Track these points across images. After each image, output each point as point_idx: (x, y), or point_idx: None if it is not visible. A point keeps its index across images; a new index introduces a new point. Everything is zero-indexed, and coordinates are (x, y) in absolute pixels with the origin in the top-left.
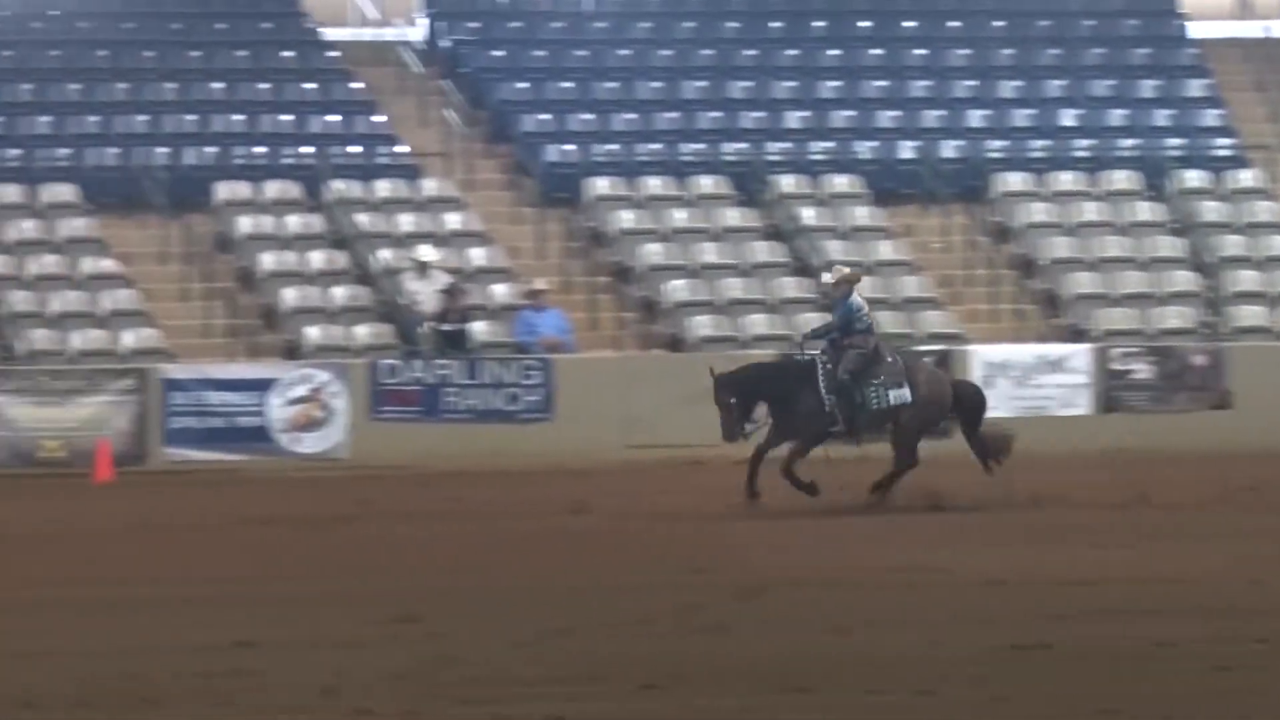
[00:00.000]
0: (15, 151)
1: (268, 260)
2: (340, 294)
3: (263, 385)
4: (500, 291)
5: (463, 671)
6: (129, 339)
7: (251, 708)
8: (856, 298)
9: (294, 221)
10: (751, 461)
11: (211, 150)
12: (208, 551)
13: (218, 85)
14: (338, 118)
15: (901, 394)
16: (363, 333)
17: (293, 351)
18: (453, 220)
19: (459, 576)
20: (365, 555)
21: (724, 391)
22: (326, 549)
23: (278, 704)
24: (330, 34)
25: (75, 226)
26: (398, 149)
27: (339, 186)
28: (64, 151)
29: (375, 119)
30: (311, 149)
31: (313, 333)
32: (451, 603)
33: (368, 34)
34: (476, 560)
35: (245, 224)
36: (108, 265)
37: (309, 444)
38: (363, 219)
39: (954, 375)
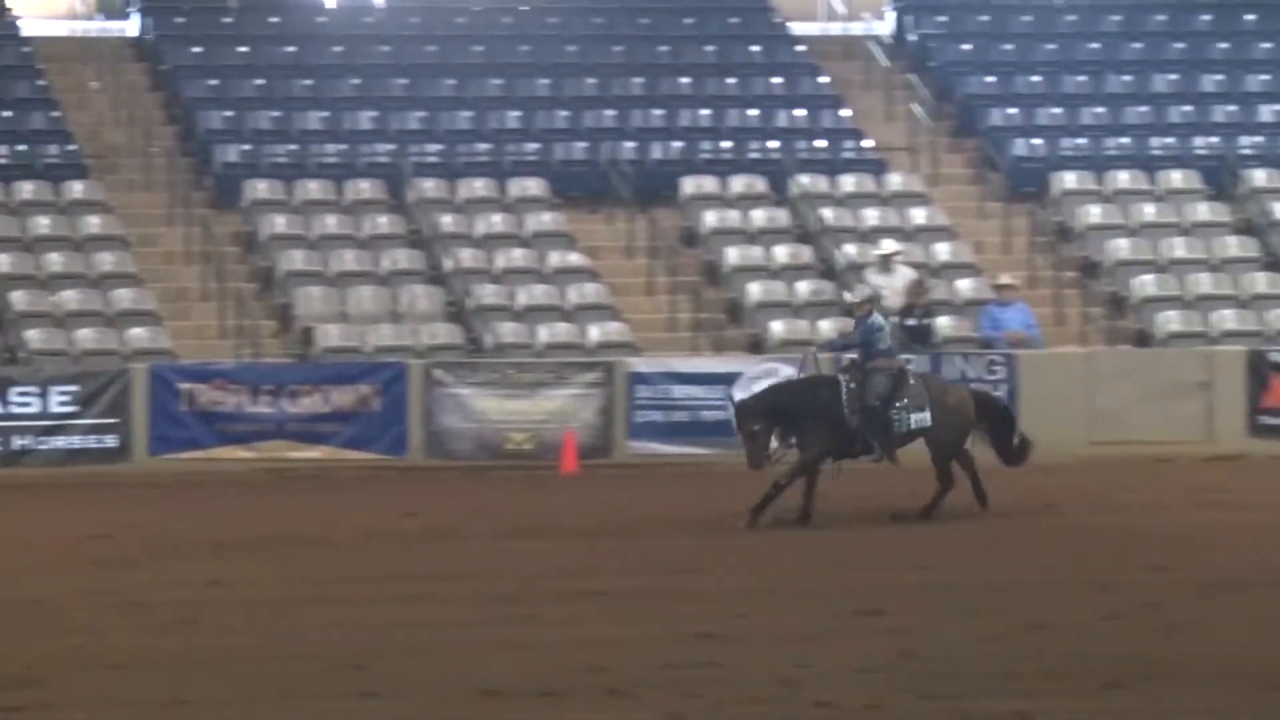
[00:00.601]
0: (485, 146)
1: (733, 255)
2: (804, 288)
3: (727, 379)
4: (965, 286)
5: (925, 666)
6: (595, 332)
7: (715, 700)
8: (878, 317)
9: (759, 216)
10: (805, 492)
11: (678, 145)
12: (671, 544)
13: (685, 80)
14: (804, 112)
15: (922, 417)
16: (827, 327)
17: (757, 346)
18: (918, 215)
19: (922, 571)
20: (827, 549)
21: (749, 418)
22: (785, 543)
23: (741, 696)
24: (797, 29)
25: (543, 221)
26: (864, 143)
27: (804, 181)
28: (532, 146)
29: (841, 113)
30: (777, 143)
31: (777, 327)
32: (914, 597)
33: (835, 29)
34: (940, 555)
35: (711, 218)
36: (575, 259)
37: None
38: (828, 213)
39: (980, 391)
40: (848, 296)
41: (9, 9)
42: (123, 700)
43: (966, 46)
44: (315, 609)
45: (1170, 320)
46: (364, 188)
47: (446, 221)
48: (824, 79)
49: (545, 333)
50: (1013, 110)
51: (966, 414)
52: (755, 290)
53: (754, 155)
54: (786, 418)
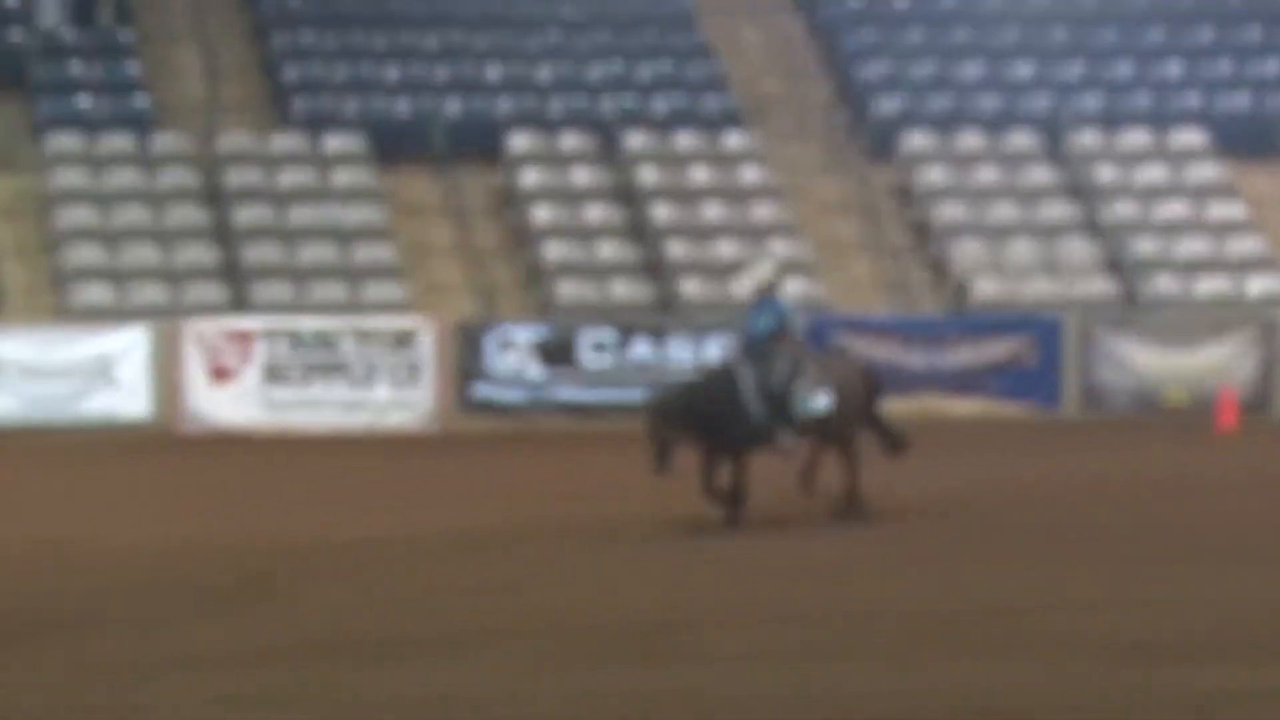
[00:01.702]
0: (1146, 97)
1: None
2: None
3: None
4: None
5: None
6: (1256, 286)
7: None
8: (786, 298)
9: None
10: (710, 495)
11: None
12: None
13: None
14: None
15: (825, 397)
16: None
17: None
18: None
19: None
20: None
21: (661, 423)
22: None
23: None
24: None
25: (1204, 172)
26: None
27: None
28: (1195, 96)
29: None
30: None
31: None
32: None
33: None
34: None
35: None
36: (1237, 212)
37: None
38: None
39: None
40: (746, 282)
41: None
42: (765, 654)
43: None
44: (975, 564)
45: None
46: (1022, 139)
47: (1105, 173)
48: None
49: (1204, 286)
50: None
51: (854, 388)
52: None
53: None
54: (697, 420)
